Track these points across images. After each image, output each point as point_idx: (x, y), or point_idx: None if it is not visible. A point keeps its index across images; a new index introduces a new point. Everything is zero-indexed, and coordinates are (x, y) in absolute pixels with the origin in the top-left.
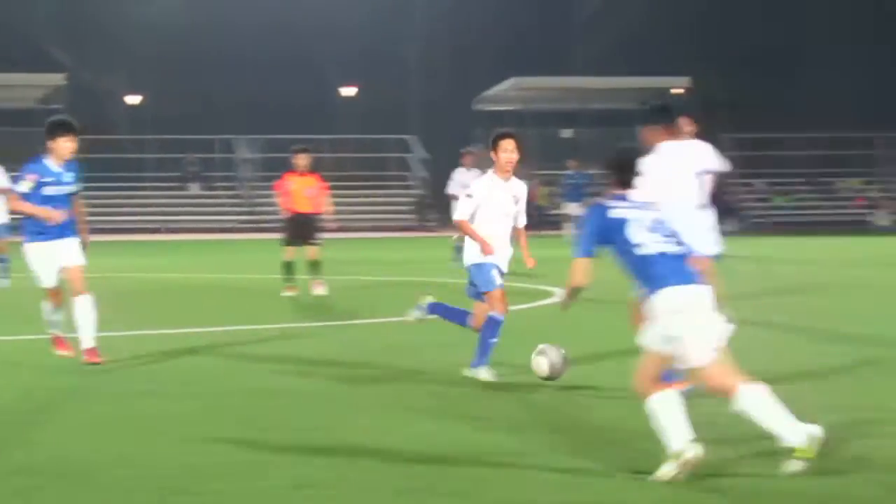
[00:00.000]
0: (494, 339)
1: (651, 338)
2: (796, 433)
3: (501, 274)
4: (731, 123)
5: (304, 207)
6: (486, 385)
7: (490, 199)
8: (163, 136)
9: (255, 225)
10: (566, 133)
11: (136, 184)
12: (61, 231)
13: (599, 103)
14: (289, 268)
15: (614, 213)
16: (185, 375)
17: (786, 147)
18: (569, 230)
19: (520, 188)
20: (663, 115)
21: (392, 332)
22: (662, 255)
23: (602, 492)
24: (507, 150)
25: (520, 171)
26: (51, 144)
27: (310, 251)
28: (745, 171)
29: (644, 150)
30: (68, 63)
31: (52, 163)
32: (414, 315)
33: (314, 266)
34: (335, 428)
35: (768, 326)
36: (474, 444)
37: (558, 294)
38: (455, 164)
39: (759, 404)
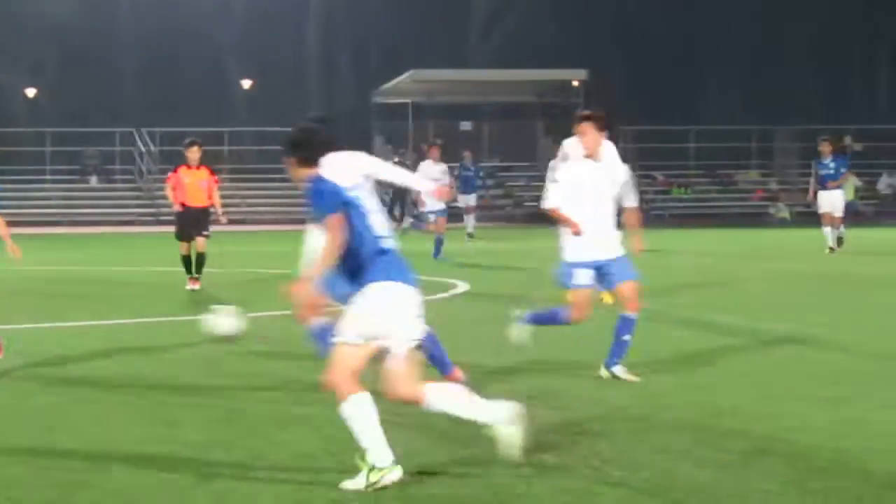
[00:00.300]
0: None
1: (356, 331)
2: (497, 411)
3: (598, 269)
4: (631, 115)
5: (196, 201)
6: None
7: (577, 182)
8: (63, 128)
9: (155, 218)
10: (465, 126)
11: (36, 176)
12: None
13: (499, 96)
14: (187, 262)
15: (350, 193)
16: (82, 369)
17: (685, 139)
18: (466, 222)
19: (615, 168)
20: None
21: (286, 325)
22: (392, 249)
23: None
24: (585, 134)
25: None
26: None
27: (198, 243)
28: (644, 163)
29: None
30: None
31: None
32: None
33: (199, 259)
34: (243, 420)
35: (662, 320)
36: (308, 443)
37: (459, 286)
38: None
39: (451, 399)
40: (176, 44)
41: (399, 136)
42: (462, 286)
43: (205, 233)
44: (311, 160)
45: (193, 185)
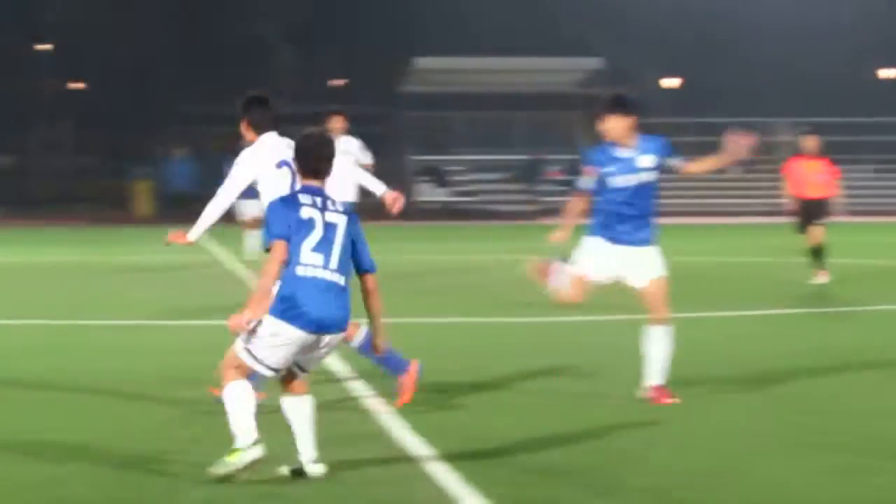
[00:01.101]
0: None
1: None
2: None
3: None
4: None
5: (812, 192)
6: None
7: None
8: (702, 119)
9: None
10: None
11: None
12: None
13: None
14: (814, 253)
15: (304, 214)
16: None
17: None
18: None
19: None
20: None
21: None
22: (314, 280)
23: None
24: None
25: None
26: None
27: (812, 234)
28: None
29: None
30: (605, 47)
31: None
32: None
33: (815, 252)
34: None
35: None
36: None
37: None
38: None
39: (239, 403)
40: (811, 32)
41: None
42: None
43: (817, 222)
44: (308, 171)
45: (807, 175)
